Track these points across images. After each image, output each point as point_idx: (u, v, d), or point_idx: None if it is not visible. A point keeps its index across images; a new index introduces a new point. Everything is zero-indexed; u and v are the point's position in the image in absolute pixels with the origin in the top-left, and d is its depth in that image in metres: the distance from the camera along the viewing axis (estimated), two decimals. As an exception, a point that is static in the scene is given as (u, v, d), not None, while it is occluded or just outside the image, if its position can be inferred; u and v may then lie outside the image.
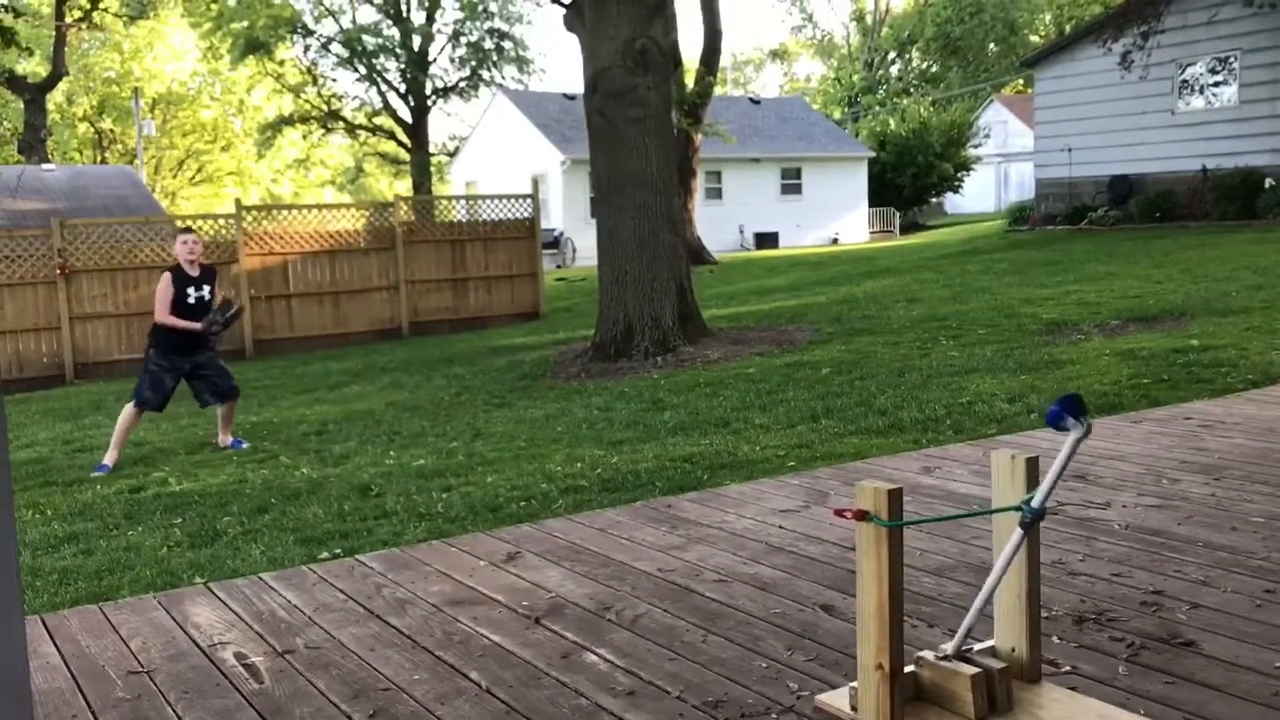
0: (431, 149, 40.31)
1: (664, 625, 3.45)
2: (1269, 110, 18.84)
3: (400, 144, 39.14)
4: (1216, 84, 19.78)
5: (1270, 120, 18.81)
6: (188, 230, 8.46)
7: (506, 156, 35.34)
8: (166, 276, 7.96)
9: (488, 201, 18.22)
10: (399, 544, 4.85)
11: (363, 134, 40.66)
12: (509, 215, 17.98)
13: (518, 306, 17.83)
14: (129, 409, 7.87)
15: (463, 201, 18.81)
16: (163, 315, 7.91)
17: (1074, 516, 4.35)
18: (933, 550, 4.02)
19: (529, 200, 18.04)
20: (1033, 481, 2.72)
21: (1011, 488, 2.72)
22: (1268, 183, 18.48)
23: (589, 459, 6.60)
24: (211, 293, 8.09)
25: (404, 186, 45.71)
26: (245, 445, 8.12)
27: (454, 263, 17.38)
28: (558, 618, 3.56)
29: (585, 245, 29.40)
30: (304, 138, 41.27)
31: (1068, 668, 2.97)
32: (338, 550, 4.91)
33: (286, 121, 39.14)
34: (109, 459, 7.75)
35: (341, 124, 39.18)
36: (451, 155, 42.22)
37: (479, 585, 3.92)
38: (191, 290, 7.99)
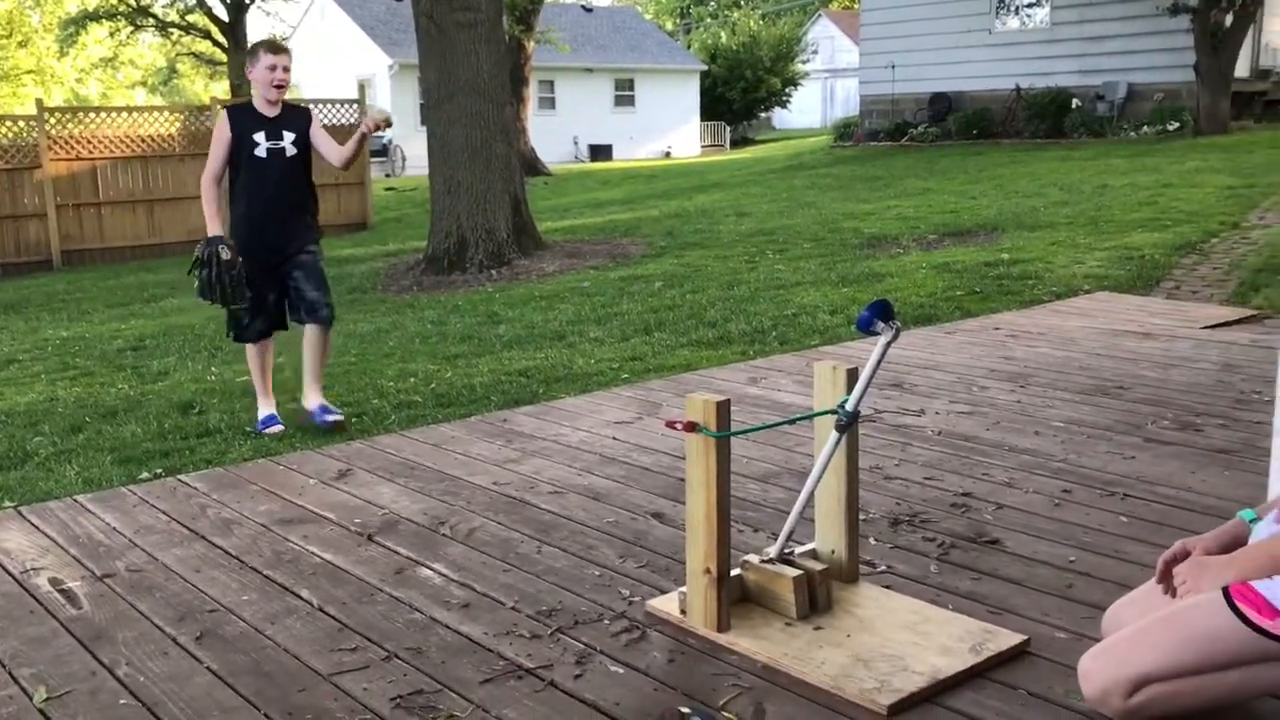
0: (250, 50, 38.44)
1: (499, 538, 3.48)
2: (1077, 33, 19.62)
3: (216, 44, 37.15)
4: (1030, 5, 20.47)
5: (1078, 42, 19.61)
6: (276, 49, 5.26)
7: (331, 60, 34.03)
8: (223, 117, 5.20)
9: (311, 107, 17.49)
10: (224, 463, 4.73)
11: (175, 33, 38.42)
12: (333, 121, 17.30)
13: (344, 217, 17.30)
14: (248, 349, 5.49)
15: (285, 107, 18.03)
16: (206, 176, 5.20)
17: (890, 424, 4.56)
18: (758, 458, 4.16)
19: (355, 105, 17.45)
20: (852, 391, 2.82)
21: (832, 397, 2.83)
22: (1074, 103, 19.32)
23: (422, 374, 6.54)
24: (301, 144, 5.26)
25: (221, 89, 43.54)
26: (334, 419, 5.33)
27: (277, 171, 16.71)
28: (391, 534, 3.55)
29: (415, 154, 28.60)
30: (111, 35, 38.70)
31: (884, 567, 3.14)
32: (159, 470, 4.76)
33: (91, 17, 36.56)
34: (264, 410, 5.48)
35: (152, 21, 36.90)
36: (272, 57, 40.31)
37: (308, 504, 3.87)
38: (261, 138, 5.16)
